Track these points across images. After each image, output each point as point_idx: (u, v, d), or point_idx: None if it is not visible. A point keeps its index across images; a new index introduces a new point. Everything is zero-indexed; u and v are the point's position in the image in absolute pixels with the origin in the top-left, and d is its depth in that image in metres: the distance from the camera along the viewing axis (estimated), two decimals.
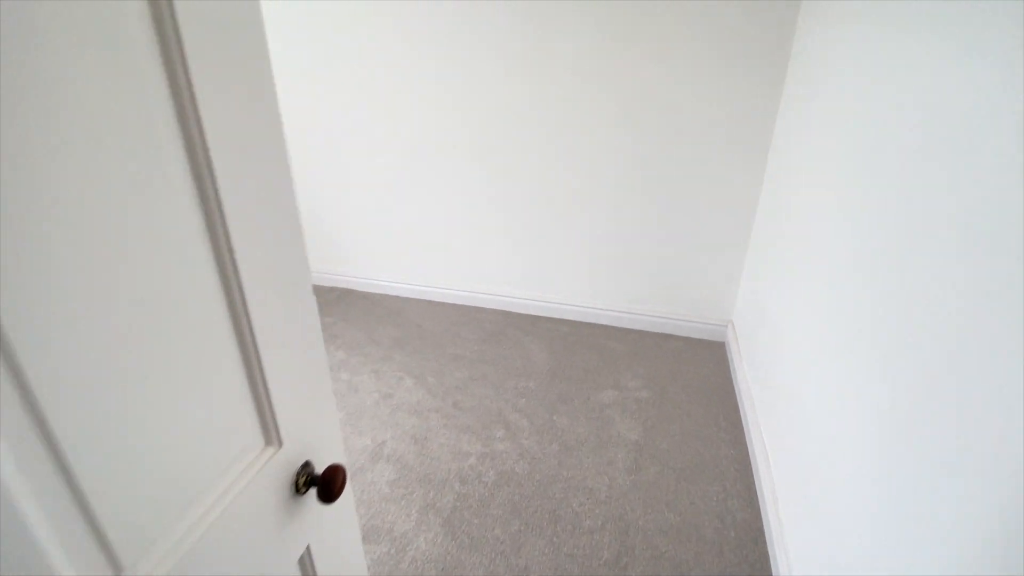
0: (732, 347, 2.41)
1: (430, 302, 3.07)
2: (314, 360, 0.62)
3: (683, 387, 2.21)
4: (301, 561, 0.65)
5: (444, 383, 2.25)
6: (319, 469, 0.64)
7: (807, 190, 1.65)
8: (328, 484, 0.60)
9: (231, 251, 0.47)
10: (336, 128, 2.86)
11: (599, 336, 2.64)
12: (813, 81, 1.71)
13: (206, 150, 0.43)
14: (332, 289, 3.28)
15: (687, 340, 2.59)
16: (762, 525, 1.58)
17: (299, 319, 0.58)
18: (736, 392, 2.17)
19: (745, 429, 1.94)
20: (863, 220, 1.20)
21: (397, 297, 3.15)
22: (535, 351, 2.50)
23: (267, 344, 0.53)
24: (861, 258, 1.19)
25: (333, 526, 0.71)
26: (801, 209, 1.68)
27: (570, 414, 2.03)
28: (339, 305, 3.06)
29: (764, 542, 1.52)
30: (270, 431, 0.56)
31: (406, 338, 2.65)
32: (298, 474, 0.61)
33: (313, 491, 0.62)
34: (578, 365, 2.38)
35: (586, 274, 2.69)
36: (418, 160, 2.75)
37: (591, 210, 2.53)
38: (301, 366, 0.60)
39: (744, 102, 2.13)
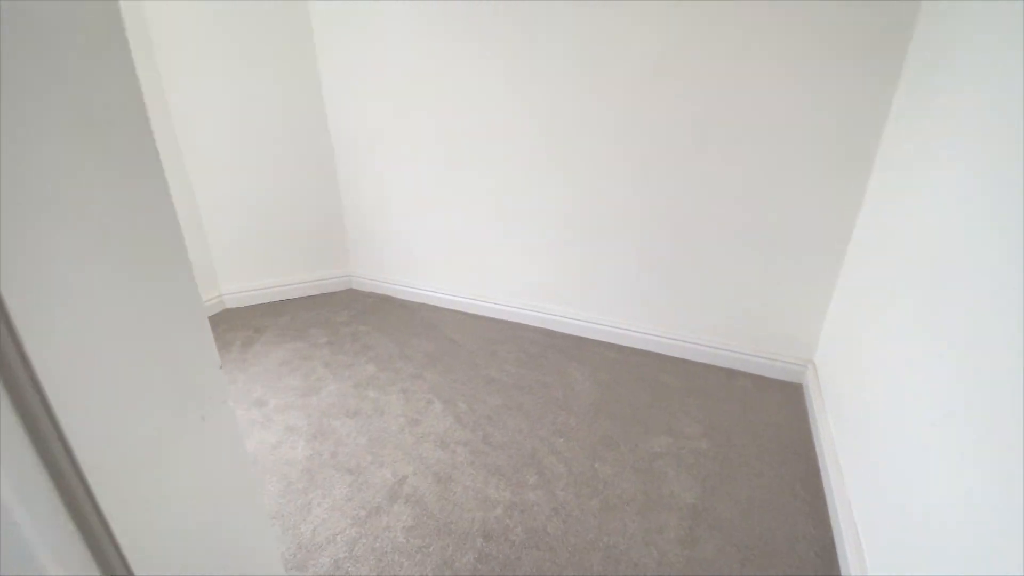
0: (812, 392, 2.05)
1: (468, 315, 2.88)
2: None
3: (751, 438, 1.89)
4: None
5: (476, 411, 2.05)
6: None
7: (934, 209, 1.30)
8: None
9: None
10: (380, 131, 2.73)
11: (652, 366, 2.35)
12: (945, 77, 1.36)
13: None
14: (370, 295, 3.17)
15: (756, 379, 2.24)
16: None
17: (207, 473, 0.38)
18: (817, 451, 1.82)
19: (829, 502, 1.60)
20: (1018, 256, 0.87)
21: (435, 307, 2.98)
22: (579, 380, 2.25)
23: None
24: (1014, 304, 0.86)
25: None
26: (924, 233, 1.34)
27: (615, 462, 1.77)
28: (376, 313, 2.93)
29: None
30: None
31: (440, 354, 2.47)
32: None
33: None
34: (626, 401, 2.10)
35: (640, 294, 2.40)
36: (462, 165, 2.57)
37: (650, 223, 2.24)
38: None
39: (845, 102, 1.78)
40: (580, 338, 2.60)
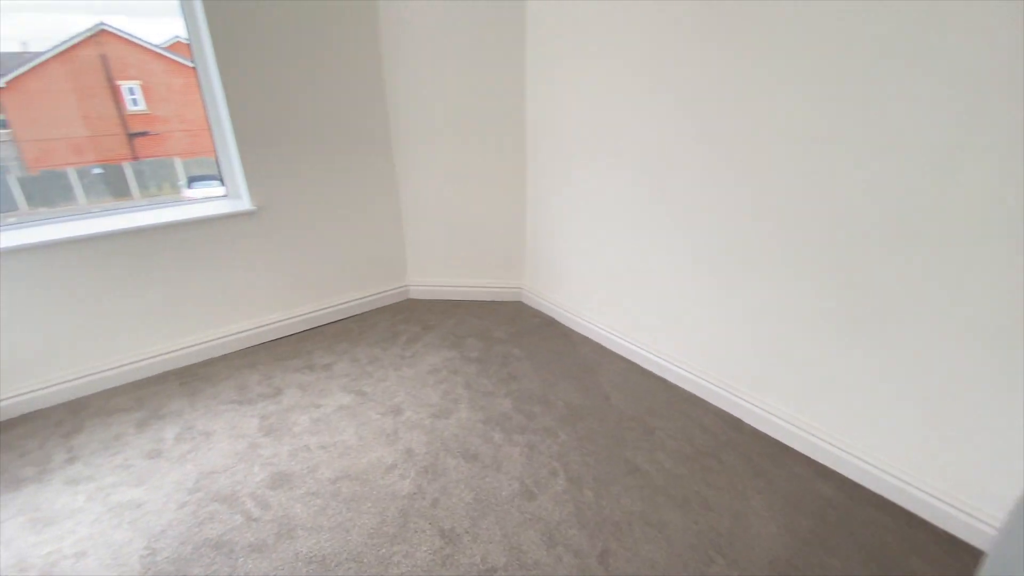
0: None
1: (634, 365, 2.39)
2: None
3: None
4: None
5: (603, 508, 1.61)
6: None
7: None
8: None
9: None
10: (575, 147, 2.41)
11: (896, 533, 1.52)
12: None
13: None
14: (537, 314, 2.93)
15: None
16: None
17: None
18: None
19: None
20: None
21: (598, 345, 2.57)
22: (761, 512, 1.59)
23: None
24: None
25: None
26: None
27: None
28: (535, 336, 2.68)
29: None
30: None
31: (585, 411, 2.08)
32: None
33: None
34: None
35: (903, 409, 1.57)
36: (663, 197, 2.07)
37: (944, 308, 1.41)
38: None
39: None
40: (781, 444, 1.88)
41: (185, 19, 2.10)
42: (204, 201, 2.43)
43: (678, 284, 2.11)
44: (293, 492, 1.69)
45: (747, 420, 1.99)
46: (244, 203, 2.41)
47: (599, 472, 1.76)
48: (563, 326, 2.78)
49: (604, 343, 2.57)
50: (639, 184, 2.14)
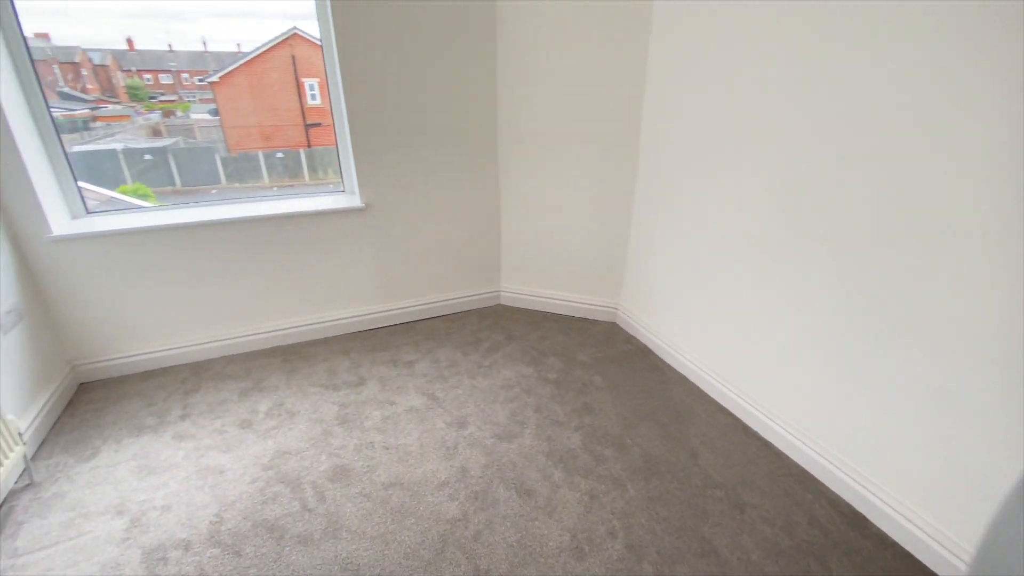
0: None
1: (734, 419, 2.04)
2: None
3: None
4: None
5: None
6: None
7: None
8: None
9: None
10: (695, 152, 2.12)
11: None
12: None
13: None
14: (630, 339, 2.68)
15: None
16: None
17: None
18: None
19: None
20: None
21: (695, 387, 2.25)
22: None
23: None
24: None
25: None
26: None
27: None
28: (622, 365, 2.44)
29: None
30: None
31: (663, 466, 1.82)
32: None
33: None
34: None
35: None
36: (797, 223, 1.71)
37: None
38: None
39: None
40: (917, 563, 1.43)
41: (319, 23, 2.25)
42: (321, 195, 2.62)
43: (804, 333, 1.73)
44: (348, 490, 1.72)
45: (873, 519, 1.56)
46: (355, 200, 2.54)
47: (666, 545, 1.51)
48: (657, 358, 2.50)
49: (703, 386, 2.24)
50: (766, 213, 1.80)
